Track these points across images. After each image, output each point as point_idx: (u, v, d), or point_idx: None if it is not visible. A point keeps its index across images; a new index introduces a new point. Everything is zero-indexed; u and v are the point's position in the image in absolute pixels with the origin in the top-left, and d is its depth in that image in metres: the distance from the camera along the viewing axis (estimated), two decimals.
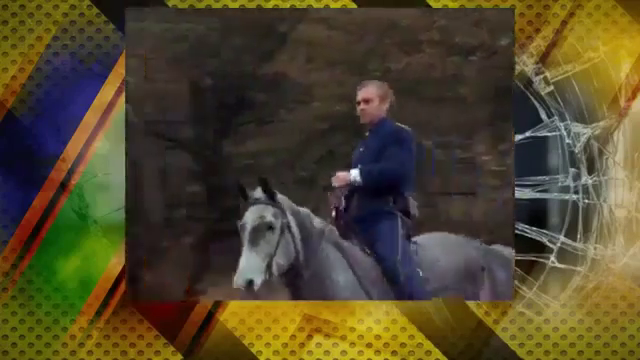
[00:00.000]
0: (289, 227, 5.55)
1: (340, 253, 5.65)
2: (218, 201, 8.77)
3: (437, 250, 5.84)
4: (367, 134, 5.96)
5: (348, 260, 5.64)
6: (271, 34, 8.92)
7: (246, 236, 5.44)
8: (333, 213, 5.85)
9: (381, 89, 5.97)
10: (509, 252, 5.80)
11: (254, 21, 8.80)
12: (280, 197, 5.62)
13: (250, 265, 5.36)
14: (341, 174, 5.83)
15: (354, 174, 5.77)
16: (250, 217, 5.51)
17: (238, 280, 5.32)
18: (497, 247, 6.00)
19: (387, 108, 5.97)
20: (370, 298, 5.59)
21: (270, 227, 5.47)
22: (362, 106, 5.95)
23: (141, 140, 8.52)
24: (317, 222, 5.71)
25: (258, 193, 5.57)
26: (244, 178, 5.70)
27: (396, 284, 5.62)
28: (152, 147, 8.76)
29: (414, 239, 5.83)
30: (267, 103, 8.98)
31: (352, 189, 5.82)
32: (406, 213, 5.80)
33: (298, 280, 5.54)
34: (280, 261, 5.44)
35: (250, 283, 5.29)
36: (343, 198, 5.84)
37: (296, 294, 5.56)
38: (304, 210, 5.73)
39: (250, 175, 6.09)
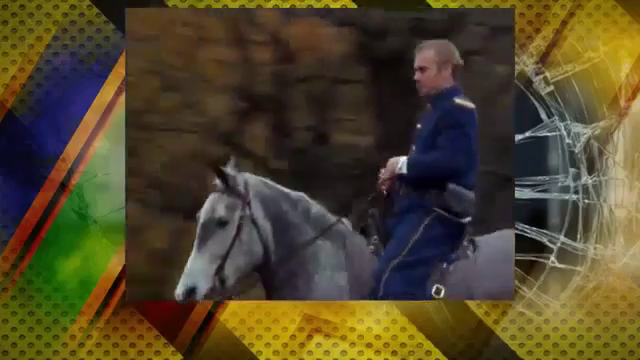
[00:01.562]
0: (253, 220, 4.84)
1: (342, 250, 4.98)
2: None
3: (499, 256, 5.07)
4: (429, 106, 5.10)
5: (349, 259, 4.98)
6: None
7: (196, 234, 4.79)
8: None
9: (440, 54, 5.06)
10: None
11: None
12: (248, 180, 4.86)
13: (194, 270, 4.76)
14: (391, 162, 5.01)
15: (401, 163, 4.98)
16: (203, 210, 4.83)
17: (178, 289, 4.76)
18: None
19: (450, 74, 5.09)
20: (358, 298, 5.03)
21: (221, 223, 4.78)
22: (417, 75, 5.05)
23: None
24: (317, 210, 4.98)
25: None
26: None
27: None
28: None
29: (477, 238, 5.07)
30: None
31: (399, 177, 5.00)
32: (448, 209, 5.00)
33: (270, 279, 4.96)
34: (238, 263, 4.82)
35: (191, 291, 4.74)
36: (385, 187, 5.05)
37: (269, 293, 5.01)
38: (297, 195, 4.98)
39: None
